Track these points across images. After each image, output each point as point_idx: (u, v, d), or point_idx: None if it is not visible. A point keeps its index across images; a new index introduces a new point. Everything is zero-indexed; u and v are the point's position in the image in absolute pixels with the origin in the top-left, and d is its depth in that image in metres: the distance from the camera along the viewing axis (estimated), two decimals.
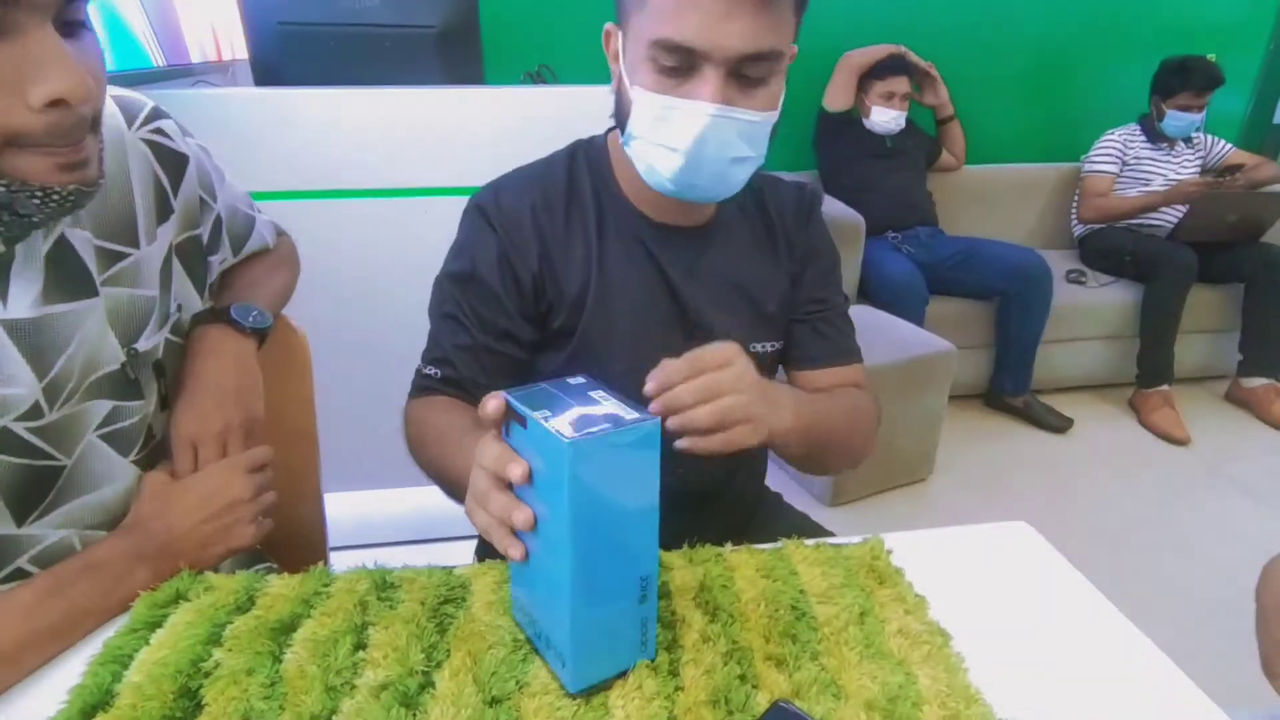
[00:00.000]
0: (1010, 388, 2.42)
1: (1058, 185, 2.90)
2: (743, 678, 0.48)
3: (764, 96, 0.65)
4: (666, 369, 0.55)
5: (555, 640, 0.48)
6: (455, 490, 0.63)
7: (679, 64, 0.62)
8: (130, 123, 0.64)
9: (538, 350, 0.78)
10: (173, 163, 0.67)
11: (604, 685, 0.48)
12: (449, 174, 1.49)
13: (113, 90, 0.63)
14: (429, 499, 1.82)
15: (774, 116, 0.67)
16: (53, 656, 0.52)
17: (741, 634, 0.52)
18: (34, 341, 0.54)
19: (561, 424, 0.43)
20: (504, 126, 1.49)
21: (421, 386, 0.77)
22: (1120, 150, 2.65)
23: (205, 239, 0.72)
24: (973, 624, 0.55)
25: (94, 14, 0.50)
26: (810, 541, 0.64)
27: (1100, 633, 0.54)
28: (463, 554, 0.98)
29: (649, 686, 0.47)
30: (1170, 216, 2.57)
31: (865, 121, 2.51)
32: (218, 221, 0.74)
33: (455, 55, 1.60)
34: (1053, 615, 0.58)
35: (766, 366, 0.82)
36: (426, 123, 1.48)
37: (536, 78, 1.85)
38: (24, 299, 0.54)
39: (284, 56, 1.54)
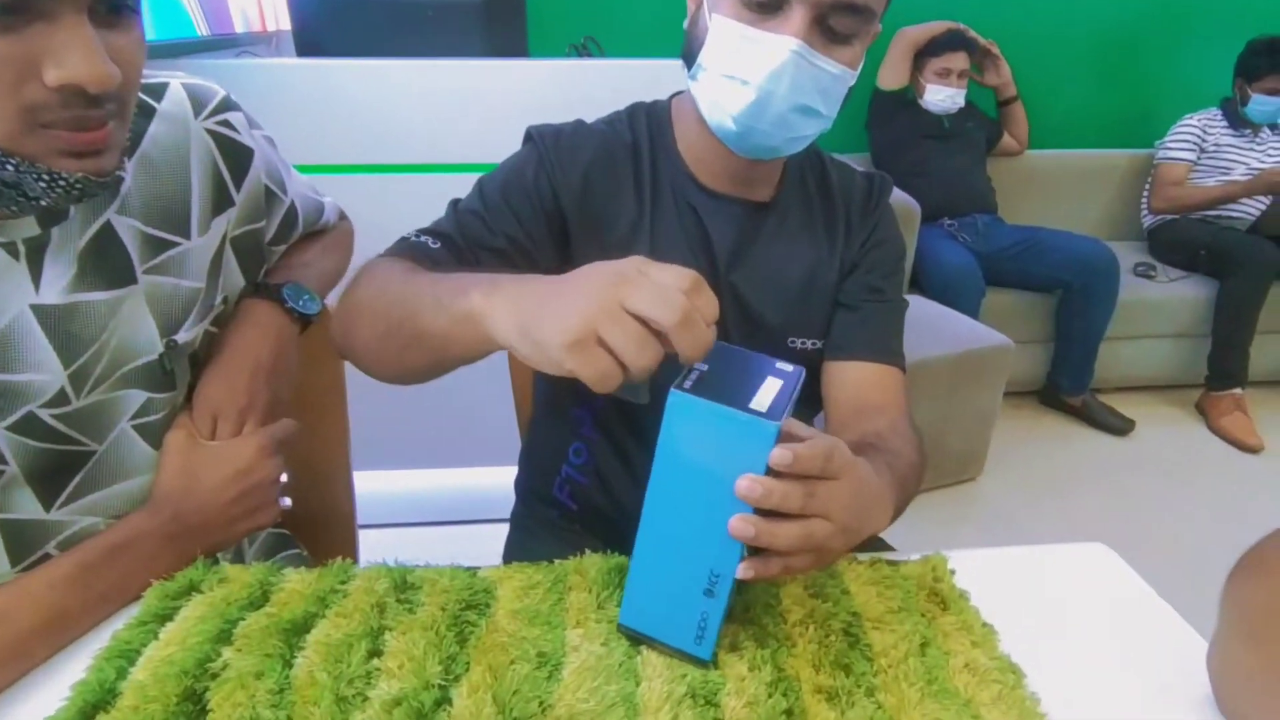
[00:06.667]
0: (1069, 386, 2.31)
1: (1128, 173, 2.74)
2: (789, 713, 0.43)
3: (846, 54, 0.63)
4: (807, 455, 0.42)
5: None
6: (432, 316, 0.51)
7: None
8: (198, 112, 0.62)
9: None
10: (236, 156, 0.65)
11: (647, 641, 0.48)
12: (490, 149, 1.44)
13: (184, 78, 0.63)
14: (459, 480, 1.81)
15: (852, 77, 0.65)
16: (64, 646, 0.50)
17: (789, 662, 0.47)
18: (64, 328, 0.53)
19: (694, 376, 0.42)
20: (548, 100, 1.44)
21: (402, 251, 0.64)
22: (1199, 136, 2.49)
23: (272, 231, 0.71)
24: (1046, 659, 0.49)
25: None
26: (864, 556, 0.58)
27: (1193, 671, 0.48)
28: (492, 539, 0.95)
29: (685, 718, 0.43)
30: (1252, 208, 2.41)
31: (921, 101, 2.40)
32: (290, 211, 0.73)
33: (499, 27, 1.56)
34: (1139, 651, 0.52)
35: (804, 365, 0.76)
36: (469, 96, 1.44)
37: (582, 50, 1.80)
38: (56, 284, 0.52)
39: (327, 27, 1.52)
